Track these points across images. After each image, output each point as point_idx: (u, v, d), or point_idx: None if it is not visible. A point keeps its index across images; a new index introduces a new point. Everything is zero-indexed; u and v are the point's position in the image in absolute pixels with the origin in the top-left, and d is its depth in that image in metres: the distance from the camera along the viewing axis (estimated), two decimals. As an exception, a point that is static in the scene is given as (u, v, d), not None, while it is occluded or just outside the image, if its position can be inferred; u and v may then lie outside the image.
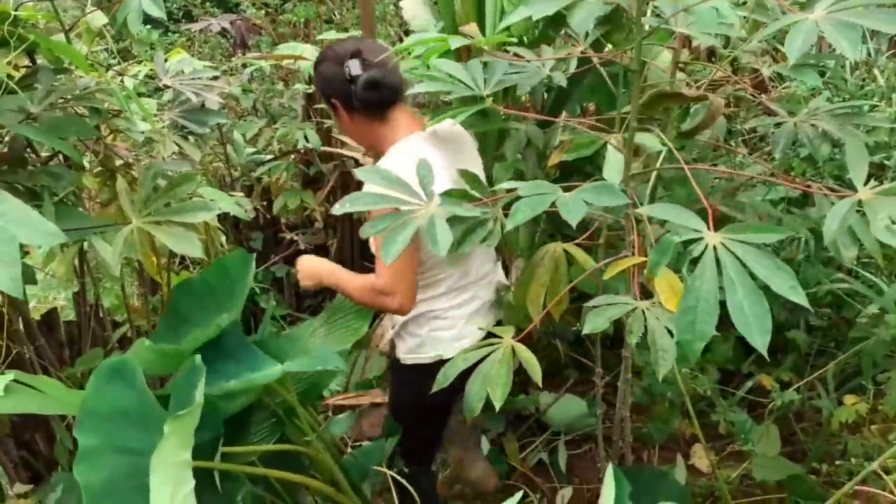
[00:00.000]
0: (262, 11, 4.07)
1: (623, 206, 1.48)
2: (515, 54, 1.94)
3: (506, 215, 1.55)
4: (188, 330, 1.79)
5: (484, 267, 2.02)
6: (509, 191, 1.55)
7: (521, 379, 2.76)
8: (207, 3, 4.37)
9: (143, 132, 1.82)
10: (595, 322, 1.41)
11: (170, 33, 3.83)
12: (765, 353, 1.12)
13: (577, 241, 1.86)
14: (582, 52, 2.04)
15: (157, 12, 1.52)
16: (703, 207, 1.31)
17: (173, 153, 1.85)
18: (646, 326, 1.41)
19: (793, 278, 1.15)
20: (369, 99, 1.81)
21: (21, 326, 2.08)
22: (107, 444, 1.23)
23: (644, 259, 1.47)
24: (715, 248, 1.20)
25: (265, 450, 1.61)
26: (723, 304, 1.16)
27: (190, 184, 1.71)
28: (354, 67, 1.80)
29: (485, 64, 1.91)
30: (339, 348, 1.81)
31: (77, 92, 1.67)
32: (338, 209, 1.50)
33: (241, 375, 1.44)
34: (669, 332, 1.40)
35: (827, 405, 2.23)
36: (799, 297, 1.14)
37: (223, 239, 2.02)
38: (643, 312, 1.42)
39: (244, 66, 3.04)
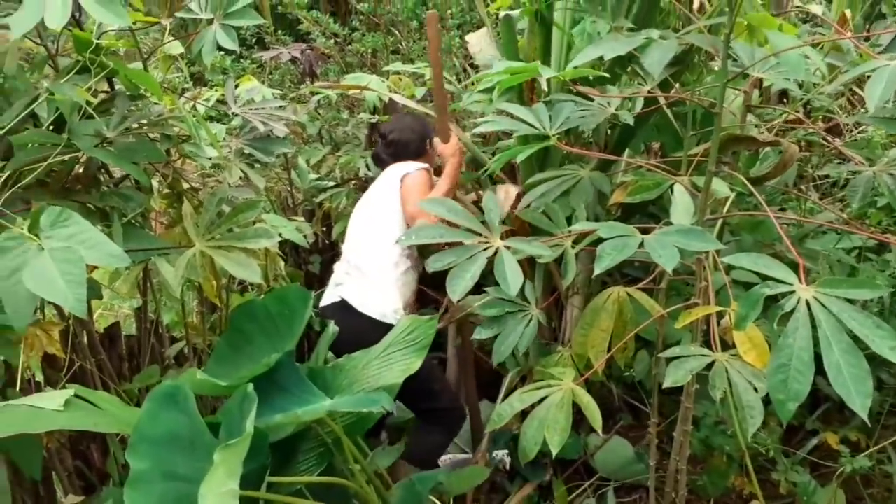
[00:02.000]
0: (332, 41, 4.16)
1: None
2: (580, 93, 1.92)
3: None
4: (251, 350, 1.81)
5: None
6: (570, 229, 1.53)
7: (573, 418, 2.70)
8: (279, 32, 4.49)
9: (210, 158, 1.86)
10: (676, 375, 1.35)
11: (242, 59, 3.94)
12: (865, 417, 1.06)
13: (635, 282, 1.82)
14: (649, 92, 2.01)
15: (231, 45, 1.57)
16: (791, 259, 1.25)
17: (239, 179, 1.88)
18: (728, 378, 1.35)
19: (894, 338, 1.08)
20: None
21: (85, 339, 2.14)
22: (157, 470, 1.23)
23: (718, 308, 1.42)
24: (808, 303, 1.14)
25: (310, 481, 1.59)
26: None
27: (253, 210, 1.73)
28: None
29: (548, 103, 1.90)
30: (392, 382, 1.79)
31: (151, 118, 1.72)
32: (404, 241, 1.50)
33: (289, 408, 1.44)
34: (753, 387, 1.34)
35: (899, 471, 2.10)
36: None
37: (282, 264, 2.04)
38: (724, 366, 1.36)
39: (312, 93, 3.10)
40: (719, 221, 1.83)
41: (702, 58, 1.97)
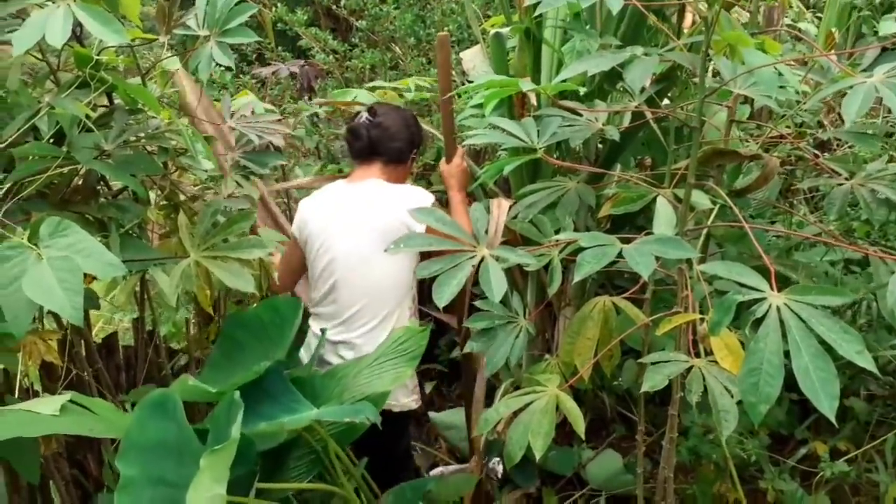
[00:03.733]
0: (331, 57, 4.24)
1: (679, 259, 1.48)
2: (568, 108, 1.97)
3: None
4: (243, 358, 1.85)
5: None
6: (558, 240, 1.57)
7: (566, 430, 2.73)
8: (280, 48, 4.57)
9: (206, 171, 1.91)
10: (653, 379, 1.39)
11: (242, 75, 4.02)
12: (833, 419, 1.09)
13: (625, 293, 1.85)
14: (636, 107, 2.06)
15: (226, 61, 1.62)
16: (762, 265, 1.29)
17: (234, 192, 1.93)
18: (704, 386, 1.39)
19: (860, 343, 1.12)
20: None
21: (83, 349, 2.17)
22: (145, 475, 1.27)
23: (698, 316, 1.46)
24: (779, 308, 1.18)
25: (298, 487, 1.63)
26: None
27: (247, 221, 1.78)
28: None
29: (536, 117, 1.95)
30: (382, 390, 1.83)
31: (148, 132, 1.77)
32: (392, 250, 1.54)
33: (276, 416, 1.47)
34: (729, 392, 1.38)
35: (885, 479, 2.13)
36: (866, 363, 1.12)
37: (276, 274, 2.08)
38: (701, 371, 1.40)
39: (303, 111, 3.16)
40: (703, 233, 1.87)
41: (686, 75, 2.02)
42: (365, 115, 2.15)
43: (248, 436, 1.38)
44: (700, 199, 1.64)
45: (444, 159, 2.26)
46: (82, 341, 2.14)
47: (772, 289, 1.19)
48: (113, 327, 3.17)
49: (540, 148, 1.76)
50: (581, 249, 1.38)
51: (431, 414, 3.05)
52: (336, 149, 3.61)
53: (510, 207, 2.21)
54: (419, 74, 4.00)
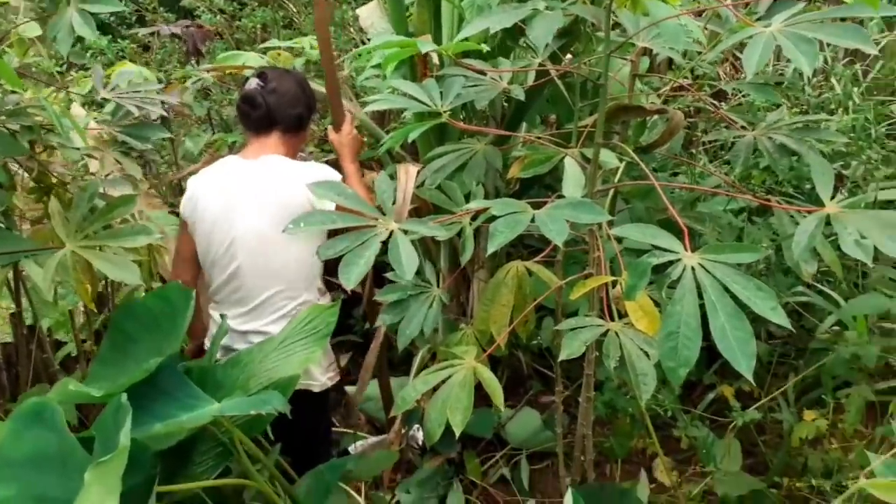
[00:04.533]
0: (219, 17, 3.96)
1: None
2: (471, 68, 1.89)
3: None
4: (135, 351, 1.70)
5: None
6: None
7: (483, 393, 2.72)
8: (162, 9, 4.24)
9: (78, 148, 1.72)
10: (571, 347, 1.36)
11: (121, 39, 3.69)
12: (750, 378, 1.08)
13: (538, 255, 1.82)
14: (540, 65, 2.01)
15: (88, 33, 1.43)
16: (673, 223, 1.27)
17: (114, 171, 1.75)
18: (620, 347, 1.37)
19: (774, 299, 1.12)
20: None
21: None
22: (26, 494, 1.13)
23: (611, 278, 1.43)
24: (693, 269, 1.16)
25: (203, 486, 1.52)
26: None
27: (128, 205, 1.62)
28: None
29: (439, 78, 1.86)
30: (291, 374, 1.73)
31: (7, 108, 1.57)
32: (292, 230, 1.43)
33: (174, 414, 1.36)
34: (646, 354, 1.36)
35: (788, 418, 2.23)
36: (780, 319, 1.11)
37: (167, 259, 1.92)
38: (617, 335, 1.38)
39: (188, 77, 2.94)
40: (611, 191, 1.85)
41: (589, 28, 1.97)
42: (256, 80, 1.95)
43: (142, 440, 1.26)
44: (608, 157, 1.60)
45: (331, 127, 2.11)
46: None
47: (685, 249, 1.17)
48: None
49: (444, 111, 1.67)
50: (493, 218, 1.31)
51: (347, 388, 2.98)
52: (228, 116, 3.40)
53: (418, 173, 2.13)
54: (314, 33, 3.80)
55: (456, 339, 1.82)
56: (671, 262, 1.15)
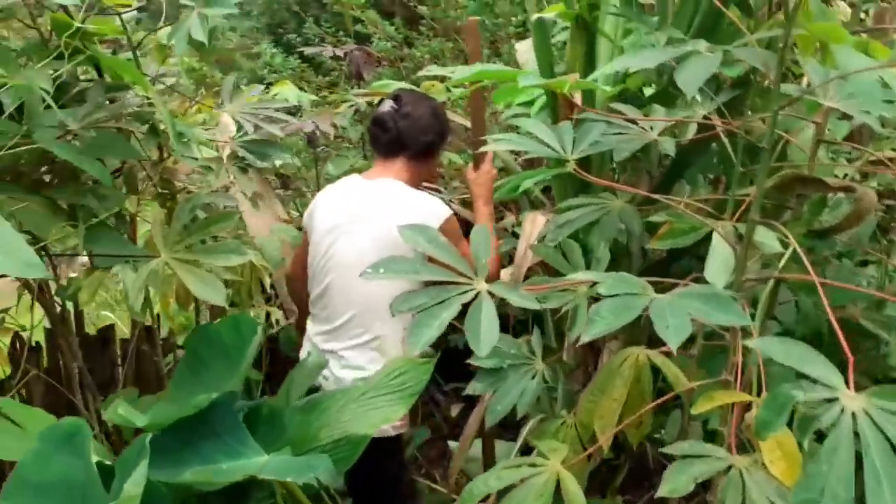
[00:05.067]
0: (389, 44, 3.99)
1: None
2: (616, 111, 1.64)
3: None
4: (207, 377, 1.62)
5: None
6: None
7: (598, 479, 2.40)
8: (341, 33, 4.36)
9: (195, 158, 1.69)
10: (675, 482, 1.06)
11: (291, 58, 3.82)
12: None
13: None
14: (705, 118, 1.72)
15: (201, 36, 1.38)
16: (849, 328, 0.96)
17: (227, 184, 1.70)
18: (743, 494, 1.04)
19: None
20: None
21: (70, 343, 2.01)
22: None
23: (746, 398, 1.12)
24: (855, 416, 0.83)
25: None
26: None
27: (228, 221, 1.55)
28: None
29: (579, 122, 1.63)
30: (363, 433, 1.57)
31: (127, 109, 1.56)
32: (369, 274, 1.27)
33: (215, 460, 1.24)
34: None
35: None
36: None
37: (267, 282, 1.84)
38: (741, 475, 1.06)
39: (344, 101, 2.92)
40: (771, 281, 1.51)
41: (763, 80, 1.66)
42: (390, 103, 1.89)
43: (158, 485, 1.15)
44: (767, 239, 1.28)
45: (471, 165, 1.97)
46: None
47: (847, 387, 0.85)
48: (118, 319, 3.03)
49: (572, 159, 1.44)
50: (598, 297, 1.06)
51: (451, 443, 2.77)
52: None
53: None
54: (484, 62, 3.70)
55: (551, 430, 1.56)
56: (825, 403, 0.83)
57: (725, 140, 1.82)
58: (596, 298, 1.28)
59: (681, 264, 2.27)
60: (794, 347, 0.89)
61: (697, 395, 1.23)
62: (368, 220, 1.78)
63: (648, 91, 2.22)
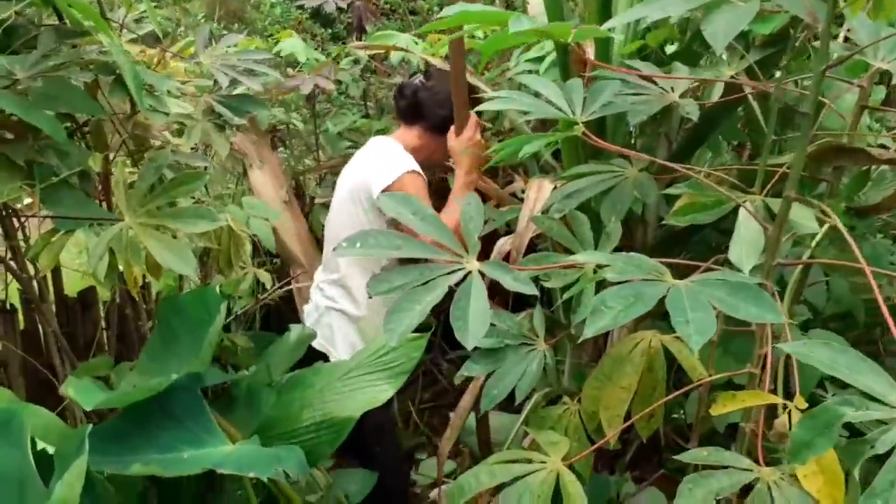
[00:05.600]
0: (399, -3, 3.77)
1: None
2: (632, 69, 1.47)
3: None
4: (178, 349, 1.50)
5: None
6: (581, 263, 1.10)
7: (608, 454, 2.27)
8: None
9: (167, 114, 1.53)
10: (691, 499, 0.91)
11: (298, 9, 3.61)
12: None
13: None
14: (732, 77, 1.54)
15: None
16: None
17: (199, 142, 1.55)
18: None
19: None
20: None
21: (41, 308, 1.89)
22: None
23: (776, 400, 0.97)
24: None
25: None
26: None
27: (197, 182, 1.40)
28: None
29: (592, 80, 1.46)
30: (347, 415, 1.44)
31: (83, 57, 1.40)
32: (342, 250, 1.11)
33: (176, 448, 1.11)
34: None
35: None
36: None
37: (249, 249, 1.70)
38: (769, 490, 0.91)
39: (346, 54, 2.73)
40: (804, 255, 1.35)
41: (806, 38, 1.47)
42: (420, 77, 2.00)
43: (103, 482, 1.02)
44: (803, 218, 1.12)
45: (452, 130, 1.83)
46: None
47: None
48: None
49: (581, 121, 1.27)
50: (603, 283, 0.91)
51: (452, 415, 2.65)
52: (384, 100, 3.19)
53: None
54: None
55: (553, 416, 1.42)
56: (880, 426, 0.68)
57: (755, 104, 1.65)
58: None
59: (703, 235, 2.10)
60: (841, 355, 0.73)
61: (717, 391, 1.08)
62: (349, 171, 1.92)
63: (670, 49, 2.03)
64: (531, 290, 1.01)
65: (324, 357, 1.88)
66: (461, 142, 1.80)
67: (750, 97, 1.61)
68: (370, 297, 1.21)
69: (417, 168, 1.78)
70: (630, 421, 1.26)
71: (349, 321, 1.89)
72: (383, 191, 1.70)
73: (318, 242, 2.64)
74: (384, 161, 1.79)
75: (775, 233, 1.06)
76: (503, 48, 1.52)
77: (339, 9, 3.00)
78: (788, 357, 1.21)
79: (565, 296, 1.24)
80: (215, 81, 1.61)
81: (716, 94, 1.66)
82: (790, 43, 1.58)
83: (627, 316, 0.86)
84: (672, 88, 1.48)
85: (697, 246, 2.03)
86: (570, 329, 1.72)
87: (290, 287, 2.58)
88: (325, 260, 1.99)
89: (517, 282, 1.01)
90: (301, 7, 3.40)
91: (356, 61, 2.71)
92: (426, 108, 1.90)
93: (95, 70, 1.48)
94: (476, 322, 0.95)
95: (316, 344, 1.87)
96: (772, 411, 1.01)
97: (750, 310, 0.86)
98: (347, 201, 1.83)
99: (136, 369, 1.54)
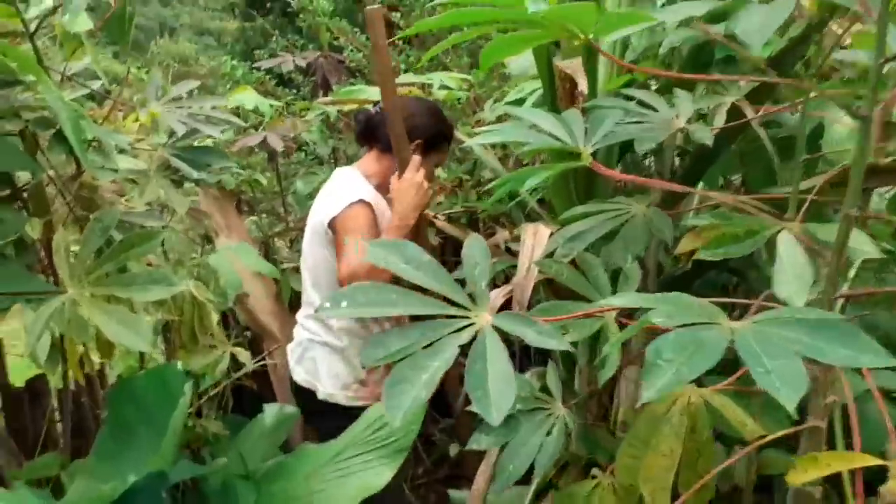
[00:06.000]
0: (361, 54, 3.69)
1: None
2: (631, 98, 1.34)
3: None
4: (133, 445, 1.28)
5: None
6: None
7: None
8: (305, 42, 4.04)
9: (116, 171, 1.35)
10: None
11: (256, 71, 3.49)
12: None
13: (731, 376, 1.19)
14: (736, 103, 1.43)
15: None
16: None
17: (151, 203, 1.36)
18: None
19: None
20: None
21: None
22: None
23: (872, 461, 0.80)
24: None
25: None
26: None
27: (150, 243, 1.21)
28: None
29: (588, 111, 1.32)
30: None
31: (16, 105, 1.23)
32: (328, 310, 0.93)
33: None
34: None
35: None
36: None
37: (215, 319, 1.49)
38: None
39: (308, 109, 2.60)
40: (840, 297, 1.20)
41: (822, 50, 1.36)
42: (378, 107, 1.92)
43: None
44: (859, 242, 0.97)
45: (396, 173, 1.76)
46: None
47: None
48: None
49: (587, 151, 1.13)
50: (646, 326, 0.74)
51: (452, 492, 2.40)
52: (355, 155, 3.05)
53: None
54: (464, 70, 3.41)
55: (582, 495, 1.22)
56: None
57: (760, 130, 1.53)
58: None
59: (708, 279, 1.95)
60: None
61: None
62: (314, 206, 1.85)
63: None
64: (562, 344, 0.83)
65: (310, 393, 1.78)
66: (403, 182, 1.73)
67: (754, 124, 1.49)
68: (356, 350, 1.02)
69: (367, 197, 1.74)
70: (682, 498, 1.07)
71: (332, 352, 1.77)
72: (331, 221, 1.71)
73: (294, 309, 2.45)
74: (336, 193, 1.78)
75: (836, 260, 0.91)
76: (502, 58, 1.39)
77: (300, 69, 2.88)
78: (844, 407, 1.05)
79: (604, 350, 1.05)
80: (171, 132, 1.44)
81: (719, 121, 1.54)
82: (793, 62, 1.48)
83: (691, 370, 0.69)
84: (677, 115, 1.36)
85: (703, 291, 1.89)
86: (588, 384, 1.54)
87: (265, 363, 2.36)
88: (304, 296, 1.92)
89: (542, 336, 0.84)
90: (269, 70, 3.29)
91: (325, 119, 2.58)
92: (378, 130, 1.86)
93: (32, 125, 1.30)
94: (499, 390, 0.77)
95: (301, 380, 1.79)
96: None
97: (838, 352, 0.69)
98: (312, 235, 1.82)
99: (85, 472, 1.31)
